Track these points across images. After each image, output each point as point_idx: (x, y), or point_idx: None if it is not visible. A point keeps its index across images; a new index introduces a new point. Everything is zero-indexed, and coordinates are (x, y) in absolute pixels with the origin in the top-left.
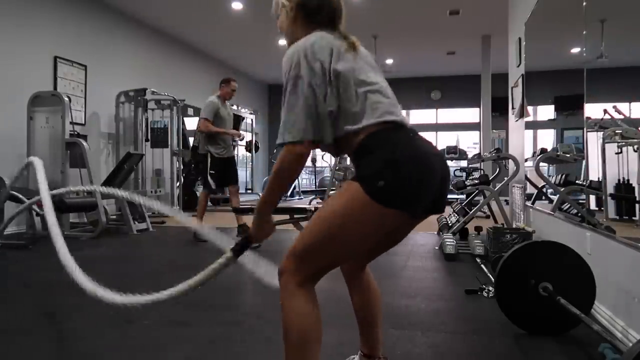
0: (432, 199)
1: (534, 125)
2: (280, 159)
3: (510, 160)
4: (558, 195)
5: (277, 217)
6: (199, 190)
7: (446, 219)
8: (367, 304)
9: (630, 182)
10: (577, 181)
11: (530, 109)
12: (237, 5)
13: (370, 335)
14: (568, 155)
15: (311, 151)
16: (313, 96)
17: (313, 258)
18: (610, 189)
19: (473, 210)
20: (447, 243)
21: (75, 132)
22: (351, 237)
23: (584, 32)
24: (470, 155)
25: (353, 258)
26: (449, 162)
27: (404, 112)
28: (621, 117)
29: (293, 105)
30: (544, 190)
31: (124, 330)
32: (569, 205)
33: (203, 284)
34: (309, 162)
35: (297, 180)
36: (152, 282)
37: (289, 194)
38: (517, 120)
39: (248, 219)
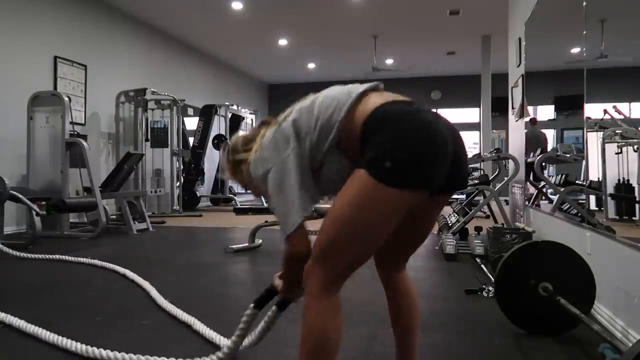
0: (447, 174)
1: None
2: (289, 249)
3: (510, 160)
4: (558, 196)
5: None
6: (199, 190)
7: (446, 219)
8: (405, 310)
9: (630, 182)
10: (577, 181)
11: (530, 108)
12: (237, 5)
13: (407, 346)
14: (568, 155)
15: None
16: (301, 169)
17: (335, 257)
18: (610, 189)
19: (473, 210)
20: (447, 243)
21: (75, 132)
22: (368, 228)
23: (584, 32)
24: (470, 155)
25: (375, 250)
26: None
27: None
28: (621, 117)
29: (282, 190)
30: (544, 190)
31: (123, 329)
32: (569, 205)
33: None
34: None
35: None
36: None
37: None
38: (517, 120)
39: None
